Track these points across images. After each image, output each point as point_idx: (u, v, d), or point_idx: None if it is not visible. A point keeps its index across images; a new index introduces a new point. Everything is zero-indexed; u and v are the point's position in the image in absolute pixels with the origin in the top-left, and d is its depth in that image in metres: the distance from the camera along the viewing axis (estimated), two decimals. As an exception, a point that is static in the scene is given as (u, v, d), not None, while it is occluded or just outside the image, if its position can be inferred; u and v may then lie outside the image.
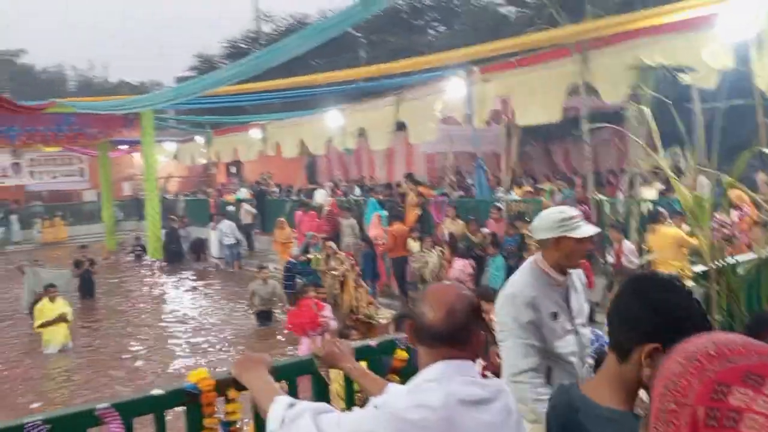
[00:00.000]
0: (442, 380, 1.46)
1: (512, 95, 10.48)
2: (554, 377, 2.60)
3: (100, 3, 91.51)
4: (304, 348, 7.95)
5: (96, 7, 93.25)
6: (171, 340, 10.04)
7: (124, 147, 24.38)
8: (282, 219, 14.77)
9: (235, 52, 27.71)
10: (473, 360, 1.56)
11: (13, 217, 24.01)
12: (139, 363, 9.05)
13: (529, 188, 12.03)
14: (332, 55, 23.18)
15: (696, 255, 4.76)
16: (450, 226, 10.70)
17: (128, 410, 1.86)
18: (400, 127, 13.48)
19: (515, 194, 11.82)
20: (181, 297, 13.62)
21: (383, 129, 13.48)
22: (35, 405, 7.38)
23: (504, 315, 2.67)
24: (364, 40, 24.84)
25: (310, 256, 12.00)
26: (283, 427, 1.52)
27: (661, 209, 7.60)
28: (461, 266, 9.35)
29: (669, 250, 6.93)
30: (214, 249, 16.76)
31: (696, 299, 1.40)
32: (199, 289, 14.22)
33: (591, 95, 9.69)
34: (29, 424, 1.73)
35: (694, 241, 4.71)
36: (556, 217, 2.66)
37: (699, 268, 3.29)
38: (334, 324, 8.11)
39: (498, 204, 10.63)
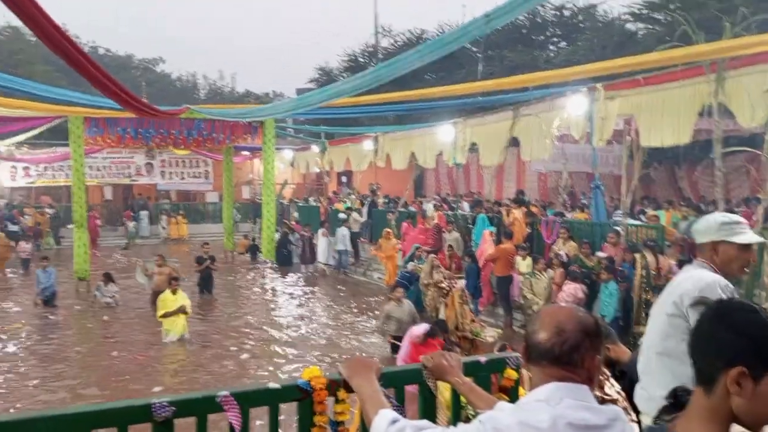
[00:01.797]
0: (551, 401, 1.41)
1: (638, 114, 9.97)
2: None
3: (231, 19, 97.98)
4: (401, 356, 7.88)
5: (228, 20, 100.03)
6: (278, 337, 10.42)
7: (246, 153, 25.82)
8: (389, 229, 14.96)
9: (354, 66, 28.53)
10: (588, 384, 1.49)
11: (144, 214, 26.04)
12: (245, 356, 9.48)
13: (654, 213, 11.38)
14: (448, 70, 23.29)
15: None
16: (562, 247, 10.36)
17: (246, 400, 1.95)
18: (513, 143, 13.23)
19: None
20: (290, 298, 14.12)
21: (496, 144, 13.28)
22: (156, 389, 7.90)
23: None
24: (480, 55, 24.69)
25: (410, 267, 12.05)
26: None
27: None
28: (572, 290, 9.01)
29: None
30: (321, 255, 17.32)
31: None
32: (307, 292, 14.69)
33: (725, 118, 9.05)
34: (156, 404, 1.85)
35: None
36: (719, 220, 2.58)
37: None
38: None
39: (617, 228, 10.17)
